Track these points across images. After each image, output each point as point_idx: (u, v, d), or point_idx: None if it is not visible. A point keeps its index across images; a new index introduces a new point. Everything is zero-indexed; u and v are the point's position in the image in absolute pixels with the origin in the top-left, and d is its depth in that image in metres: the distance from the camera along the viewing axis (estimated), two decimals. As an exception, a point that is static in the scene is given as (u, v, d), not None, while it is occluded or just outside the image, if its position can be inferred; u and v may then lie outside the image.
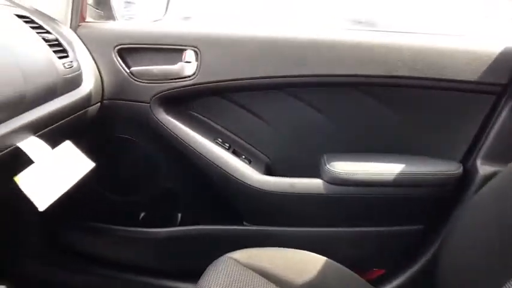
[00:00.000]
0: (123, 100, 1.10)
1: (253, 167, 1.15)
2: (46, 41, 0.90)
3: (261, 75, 1.08)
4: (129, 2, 1.55)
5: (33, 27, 0.90)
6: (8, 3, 0.94)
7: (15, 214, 1.18)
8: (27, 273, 1.27)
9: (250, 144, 1.20)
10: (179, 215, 1.30)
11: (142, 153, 1.20)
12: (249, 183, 1.11)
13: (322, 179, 1.09)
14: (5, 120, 0.72)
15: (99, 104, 1.07)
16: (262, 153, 1.21)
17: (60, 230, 1.29)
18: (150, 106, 1.09)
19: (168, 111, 1.12)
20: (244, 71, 1.08)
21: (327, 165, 1.07)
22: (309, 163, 1.14)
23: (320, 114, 1.16)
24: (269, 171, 1.18)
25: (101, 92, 1.07)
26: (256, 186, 1.11)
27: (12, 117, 0.74)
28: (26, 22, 0.89)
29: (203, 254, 0.92)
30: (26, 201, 1.13)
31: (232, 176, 1.12)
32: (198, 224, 1.24)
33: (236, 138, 1.19)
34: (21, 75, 0.76)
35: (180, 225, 1.27)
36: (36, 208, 1.17)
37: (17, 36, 0.83)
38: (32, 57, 0.83)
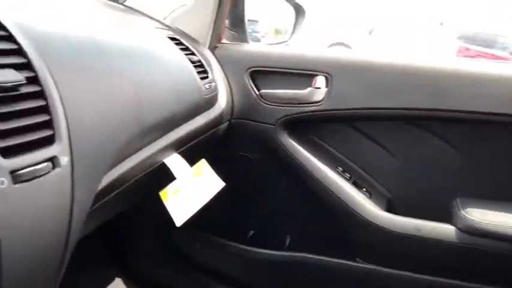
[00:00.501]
0: (250, 120, 1.12)
1: (373, 202, 1.08)
2: (191, 62, 0.95)
3: (393, 105, 1.02)
4: (253, 21, 1.60)
5: (181, 49, 0.96)
6: (161, 26, 1.02)
7: (135, 218, 1.27)
8: (141, 272, 1.36)
9: (372, 177, 1.13)
10: (288, 238, 1.28)
11: (260, 172, 1.21)
12: (368, 218, 1.04)
13: (454, 225, 0.98)
14: (157, 139, 0.77)
15: (227, 122, 1.10)
16: (384, 187, 1.13)
17: (174, 235, 1.36)
18: (275, 128, 1.10)
19: (292, 135, 1.11)
20: (375, 100, 1.03)
21: (462, 211, 0.96)
22: (437, 205, 1.03)
23: (455, 151, 1.05)
24: (391, 208, 1.10)
25: (230, 111, 1.10)
26: (377, 223, 1.04)
27: (163, 135, 0.79)
28: (176, 44, 0.96)
29: (309, 284, 0.89)
30: (150, 210, 1.22)
31: (351, 208, 1.07)
32: (306, 251, 1.21)
33: (358, 168, 1.14)
34: (175, 96, 0.81)
35: (287, 249, 1.25)
36: (154, 213, 1.26)
37: (170, 58, 0.89)
38: (182, 78, 0.88)
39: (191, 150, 0.91)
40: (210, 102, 1.00)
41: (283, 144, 1.10)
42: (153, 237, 1.32)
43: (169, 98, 0.80)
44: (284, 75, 1.10)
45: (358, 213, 1.06)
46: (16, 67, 0.44)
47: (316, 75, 1.06)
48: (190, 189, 0.83)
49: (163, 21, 1.15)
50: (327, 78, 1.06)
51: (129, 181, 0.68)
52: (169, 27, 1.05)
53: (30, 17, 0.53)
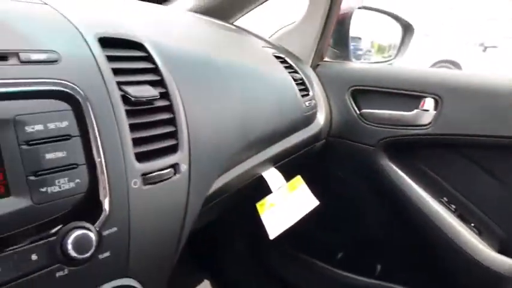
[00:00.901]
0: (348, 140, 1.10)
1: (484, 240, 0.97)
2: (294, 80, 0.98)
3: (510, 133, 0.91)
4: (355, 38, 1.58)
5: (285, 67, 0.99)
6: (268, 44, 1.07)
7: (229, 227, 1.33)
8: (228, 279, 1.41)
9: (483, 212, 1.02)
10: (379, 266, 1.22)
11: (355, 193, 1.18)
12: (477, 258, 0.94)
13: None
14: (258, 153, 0.80)
15: (324, 140, 1.10)
16: (497, 224, 1.02)
17: (263, 248, 1.39)
18: (374, 150, 1.06)
19: (393, 158, 1.06)
20: (490, 127, 0.93)
21: None
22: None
23: None
24: (504, 249, 0.98)
25: (328, 129, 1.10)
26: (488, 265, 0.93)
27: (263, 149, 0.82)
28: (281, 62, 0.99)
29: None
30: (243, 220, 1.27)
31: (456, 244, 0.97)
32: (398, 282, 1.13)
33: (465, 201, 1.04)
34: (278, 113, 0.84)
35: (377, 278, 1.19)
36: (245, 223, 1.30)
37: (275, 76, 0.92)
38: (285, 95, 0.91)
39: (287, 166, 0.93)
40: (309, 119, 1.01)
41: (382, 168, 1.06)
42: (243, 246, 1.36)
43: (273, 115, 0.83)
44: (387, 95, 1.06)
45: (465, 251, 0.96)
46: (151, 83, 0.51)
47: (425, 96, 1.00)
48: (285, 204, 0.85)
49: (269, 39, 1.20)
50: (436, 101, 0.99)
51: (231, 190, 0.72)
52: (274, 46, 1.09)
53: (164, 39, 0.60)
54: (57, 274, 0.38)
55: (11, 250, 0.35)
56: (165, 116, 0.51)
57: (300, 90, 0.98)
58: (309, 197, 0.90)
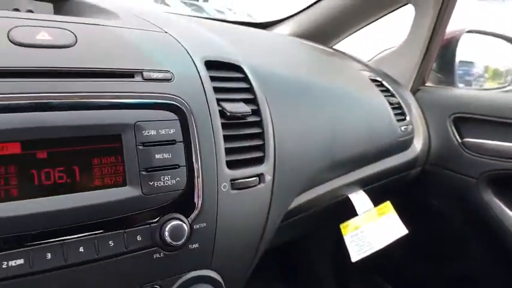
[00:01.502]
0: (447, 169, 1.04)
1: None
2: (390, 104, 0.97)
3: None
4: (467, 62, 1.48)
5: (381, 91, 0.98)
6: (365, 68, 1.07)
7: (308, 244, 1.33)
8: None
9: None
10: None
11: (451, 227, 1.09)
12: None
13: None
14: (346, 173, 0.81)
15: (420, 168, 1.05)
16: None
17: (345, 270, 1.35)
18: (477, 183, 0.98)
19: (498, 194, 0.96)
20: None
21: None
22: None
23: None
24: None
25: (426, 157, 1.05)
26: None
27: (352, 171, 0.82)
28: (377, 86, 0.99)
29: None
30: (321, 240, 1.26)
31: None
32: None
33: None
34: (369, 136, 0.84)
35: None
36: (326, 242, 1.28)
37: (369, 99, 0.92)
38: (379, 119, 0.90)
39: (377, 190, 0.91)
40: (405, 145, 0.98)
41: (485, 202, 0.97)
42: (322, 265, 1.34)
43: (363, 137, 0.83)
44: (495, 125, 0.98)
45: None
46: (245, 101, 0.57)
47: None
48: (371, 229, 0.83)
49: (368, 63, 1.20)
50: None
51: (313, 208, 0.74)
52: (372, 69, 1.09)
53: (260, 62, 0.67)
54: (155, 255, 0.46)
55: (122, 229, 0.44)
56: (254, 130, 0.57)
57: (396, 114, 0.96)
58: (397, 225, 0.87)
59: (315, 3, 1.18)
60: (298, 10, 1.22)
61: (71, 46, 0.46)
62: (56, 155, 0.41)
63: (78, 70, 0.45)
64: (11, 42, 0.43)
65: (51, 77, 0.43)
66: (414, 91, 1.13)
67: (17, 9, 0.64)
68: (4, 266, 0.38)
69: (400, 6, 1.14)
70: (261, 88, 0.60)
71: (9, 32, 0.44)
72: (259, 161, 0.56)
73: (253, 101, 0.58)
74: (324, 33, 1.20)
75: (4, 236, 0.38)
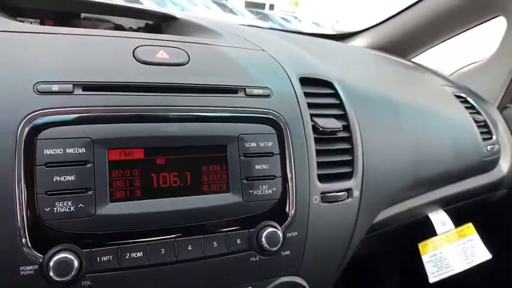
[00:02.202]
0: (536, 194, 0.97)
1: None
2: (475, 121, 0.93)
3: None
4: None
5: (466, 107, 0.95)
6: (448, 83, 1.04)
7: (383, 261, 1.30)
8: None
9: None
10: None
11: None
12: None
13: None
14: (427, 192, 0.79)
15: (506, 190, 0.99)
16: None
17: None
18: None
19: None
20: None
21: None
22: None
23: None
24: None
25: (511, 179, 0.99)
26: None
27: (433, 189, 0.81)
28: (461, 102, 0.96)
29: None
30: (397, 257, 1.23)
31: None
32: None
33: None
34: (453, 154, 0.82)
35: None
36: (403, 260, 1.24)
37: (454, 116, 0.90)
38: (463, 137, 0.87)
39: (458, 211, 0.88)
40: (490, 165, 0.93)
41: None
42: (396, 284, 1.31)
43: (447, 155, 0.81)
44: None
45: None
46: (336, 116, 0.59)
47: None
48: (451, 251, 0.81)
49: (449, 77, 1.16)
50: None
51: (393, 224, 0.74)
52: (455, 84, 1.05)
53: (348, 78, 0.69)
54: (251, 258, 0.49)
55: (224, 232, 0.48)
56: (345, 145, 0.59)
57: (482, 133, 0.92)
58: (480, 248, 0.84)
59: (395, 15, 1.16)
60: (376, 22, 1.21)
61: (185, 64, 0.51)
62: (171, 161, 0.47)
63: (191, 86, 0.50)
64: (136, 60, 0.50)
65: (168, 91, 0.49)
66: (502, 109, 1.07)
67: (120, 25, 0.71)
68: (127, 257, 0.44)
69: (490, 19, 1.09)
70: (350, 104, 0.62)
71: (134, 50, 0.50)
72: (348, 176, 0.58)
73: (343, 116, 0.60)
74: (403, 46, 1.18)
75: (128, 230, 0.44)
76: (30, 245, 0.40)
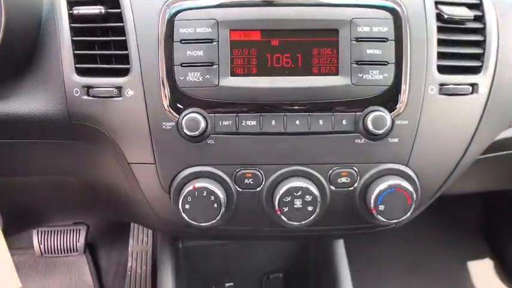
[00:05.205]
0: None
1: None
2: None
3: None
4: None
5: None
6: None
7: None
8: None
9: None
10: None
11: None
12: None
13: None
14: None
15: None
16: None
17: None
18: None
19: None
20: None
21: None
22: None
23: None
24: None
25: None
26: None
27: None
28: None
29: None
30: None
31: None
32: None
33: None
34: None
35: None
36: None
37: None
38: None
39: None
40: None
41: None
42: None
43: None
44: None
45: None
46: (469, 6, 0.53)
47: None
48: None
49: None
50: None
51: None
52: None
53: None
54: (356, 140, 0.51)
55: (332, 112, 0.50)
56: (475, 37, 0.53)
57: None
58: None
59: None
60: None
61: None
62: (285, 43, 0.50)
63: None
64: None
65: None
66: None
67: None
68: (243, 124, 0.51)
69: None
70: None
71: None
72: (475, 70, 0.53)
73: (477, 6, 0.53)
74: None
75: (244, 101, 0.50)
76: (170, 107, 0.50)
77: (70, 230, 1.14)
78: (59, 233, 1.14)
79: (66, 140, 0.57)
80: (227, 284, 0.77)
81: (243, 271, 0.77)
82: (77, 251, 1.14)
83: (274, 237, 0.66)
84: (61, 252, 1.13)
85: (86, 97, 0.52)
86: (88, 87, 0.51)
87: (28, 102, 0.53)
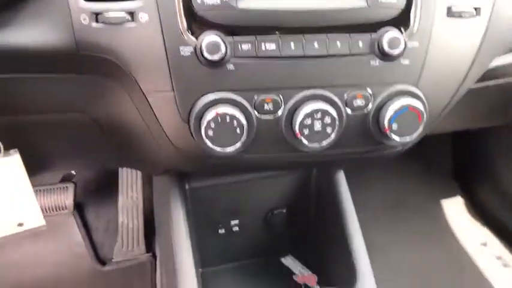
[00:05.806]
0: None
1: None
2: None
3: None
4: None
5: None
6: None
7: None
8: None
9: None
10: None
11: None
12: None
13: None
14: None
15: None
16: None
17: None
18: None
19: None
20: None
21: None
22: None
23: None
24: None
25: None
26: None
27: None
28: None
29: None
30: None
31: None
32: None
33: None
34: None
35: None
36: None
37: None
38: None
39: None
40: None
41: None
42: (502, 168, 1.24)
43: None
44: None
45: None
46: None
47: None
48: None
49: None
50: None
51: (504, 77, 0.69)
52: None
53: None
54: (371, 62, 0.53)
55: (348, 33, 0.51)
56: None
57: None
58: None
59: None
60: None
61: None
62: None
63: None
64: None
65: None
66: None
67: None
68: (263, 48, 0.50)
69: None
70: None
71: None
72: None
73: None
74: None
75: (263, 24, 0.50)
76: (186, 30, 0.49)
77: (58, 189, 1.12)
78: (46, 191, 1.10)
79: (73, 74, 0.54)
80: (233, 222, 0.80)
81: (248, 210, 0.79)
82: (66, 209, 1.12)
83: (290, 163, 0.68)
84: (51, 211, 1.10)
85: (95, 24, 0.48)
86: (97, 14, 0.48)
87: (31, 32, 0.49)
